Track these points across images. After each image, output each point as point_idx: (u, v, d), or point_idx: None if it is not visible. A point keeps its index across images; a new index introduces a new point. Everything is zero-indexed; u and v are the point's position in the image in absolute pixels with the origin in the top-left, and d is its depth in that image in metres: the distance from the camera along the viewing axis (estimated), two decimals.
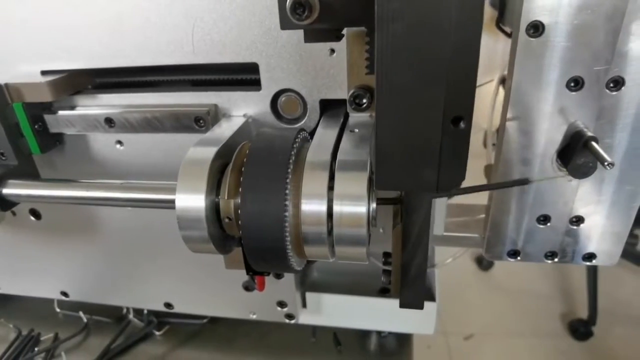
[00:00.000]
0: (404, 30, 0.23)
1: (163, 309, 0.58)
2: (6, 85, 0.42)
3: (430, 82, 0.24)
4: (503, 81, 0.56)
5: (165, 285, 0.56)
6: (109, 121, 0.43)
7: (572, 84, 0.35)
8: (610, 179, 0.39)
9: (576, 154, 0.36)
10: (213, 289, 0.54)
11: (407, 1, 0.22)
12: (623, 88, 0.35)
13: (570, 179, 0.39)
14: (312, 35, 0.29)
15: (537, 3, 0.33)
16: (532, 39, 0.34)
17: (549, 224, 0.42)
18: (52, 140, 0.47)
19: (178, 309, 0.57)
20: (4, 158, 0.44)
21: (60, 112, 0.45)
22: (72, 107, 0.46)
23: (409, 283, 0.32)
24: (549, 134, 0.38)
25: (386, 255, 0.35)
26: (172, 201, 0.33)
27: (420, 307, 0.33)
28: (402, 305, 0.34)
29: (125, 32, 0.40)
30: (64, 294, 0.61)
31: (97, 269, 0.58)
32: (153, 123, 0.42)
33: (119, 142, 0.46)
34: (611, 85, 0.35)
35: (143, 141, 0.45)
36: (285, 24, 0.27)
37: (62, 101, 0.45)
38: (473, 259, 1.94)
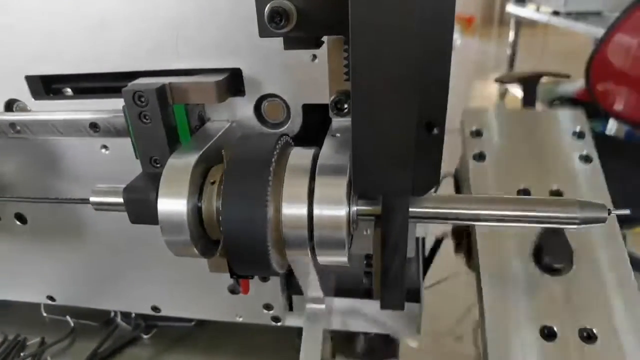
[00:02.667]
0: (377, 40, 0.23)
1: (150, 312, 0.58)
2: None
3: (404, 91, 0.24)
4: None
5: (153, 289, 0.56)
6: (94, 126, 0.43)
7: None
8: None
9: None
10: (200, 292, 0.54)
11: (380, 11, 0.23)
12: None
13: None
14: (292, 43, 0.30)
15: None
16: None
17: None
18: None
19: (165, 312, 0.57)
20: None
21: (43, 117, 0.45)
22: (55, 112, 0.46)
23: (389, 285, 0.33)
24: None
25: (368, 257, 0.36)
26: None
27: (401, 308, 0.34)
28: (383, 307, 0.34)
29: (109, 38, 0.40)
30: (51, 298, 0.61)
31: (84, 273, 0.58)
32: None
33: (104, 147, 0.46)
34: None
35: (129, 145, 0.46)
36: (263, 32, 0.28)
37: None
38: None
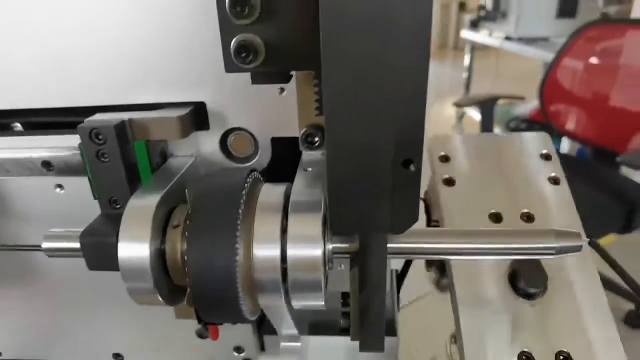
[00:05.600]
0: (351, 78, 0.22)
1: None
2: None
3: (379, 128, 0.24)
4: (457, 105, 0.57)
5: (114, 335, 0.52)
6: (47, 164, 0.40)
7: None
8: None
9: None
10: (166, 336, 0.51)
11: (353, 50, 0.22)
12: None
13: None
14: (260, 78, 0.29)
15: None
16: None
17: None
18: None
19: (129, 359, 0.53)
20: None
21: None
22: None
23: (368, 326, 0.31)
24: None
25: (344, 295, 0.34)
26: None
27: (381, 349, 0.32)
28: (362, 349, 0.32)
29: (67, 72, 0.38)
30: None
31: (35, 322, 0.53)
32: None
33: (59, 186, 0.43)
34: None
35: (86, 184, 0.43)
36: (230, 67, 0.27)
37: None
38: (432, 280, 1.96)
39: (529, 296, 0.41)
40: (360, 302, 0.31)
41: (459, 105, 2.13)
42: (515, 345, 0.39)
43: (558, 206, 0.47)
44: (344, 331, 0.48)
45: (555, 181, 0.48)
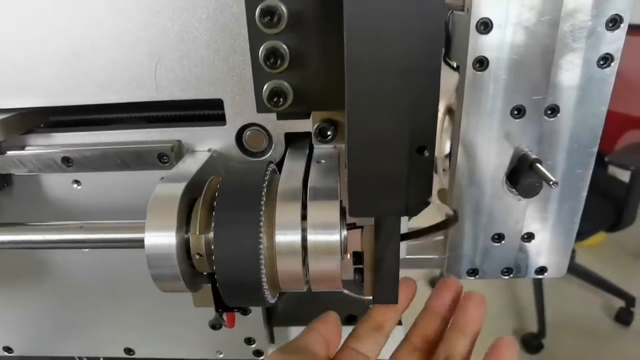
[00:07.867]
0: (372, 73, 0.25)
1: (123, 355, 0.55)
2: None
3: (397, 118, 0.26)
4: (449, 111, 0.60)
5: (125, 330, 0.54)
6: (67, 160, 0.42)
7: (516, 112, 0.39)
8: (553, 197, 0.43)
9: (523, 175, 0.40)
10: (176, 330, 0.52)
11: (375, 49, 0.24)
12: (558, 114, 0.39)
13: (520, 198, 0.42)
14: (285, 116, 0.32)
15: (482, 40, 0.36)
16: (477, 72, 0.38)
17: (503, 242, 0.45)
18: None
19: (140, 353, 0.55)
20: None
21: (10, 152, 0.43)
22: (23, 147, 0.44)
23: (383, 278, 0.33)
24: (497, 158, 0.41)
25: (356, 254, 0.36)
26: (139, 240, 0.33)
27: (395, 301, 0.34)
28: (375, 301, 0.34)
29: (84, 70, 0.40)
30: (7, 349, 0.57)
31: (46, 318, 0.54)
32: (114, 161, 0.41)
33: (76, 182, 0.44)
34: (549, 112, 0.39)
35: (101, 180, 0.44)
36: (261, 109, 0.30)
37: (12, 140, 0.43)
38: (427, 281, 1.99)
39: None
40: (375, 255, 0.33)
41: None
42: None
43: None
44: (350, 319, 0.50)
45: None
